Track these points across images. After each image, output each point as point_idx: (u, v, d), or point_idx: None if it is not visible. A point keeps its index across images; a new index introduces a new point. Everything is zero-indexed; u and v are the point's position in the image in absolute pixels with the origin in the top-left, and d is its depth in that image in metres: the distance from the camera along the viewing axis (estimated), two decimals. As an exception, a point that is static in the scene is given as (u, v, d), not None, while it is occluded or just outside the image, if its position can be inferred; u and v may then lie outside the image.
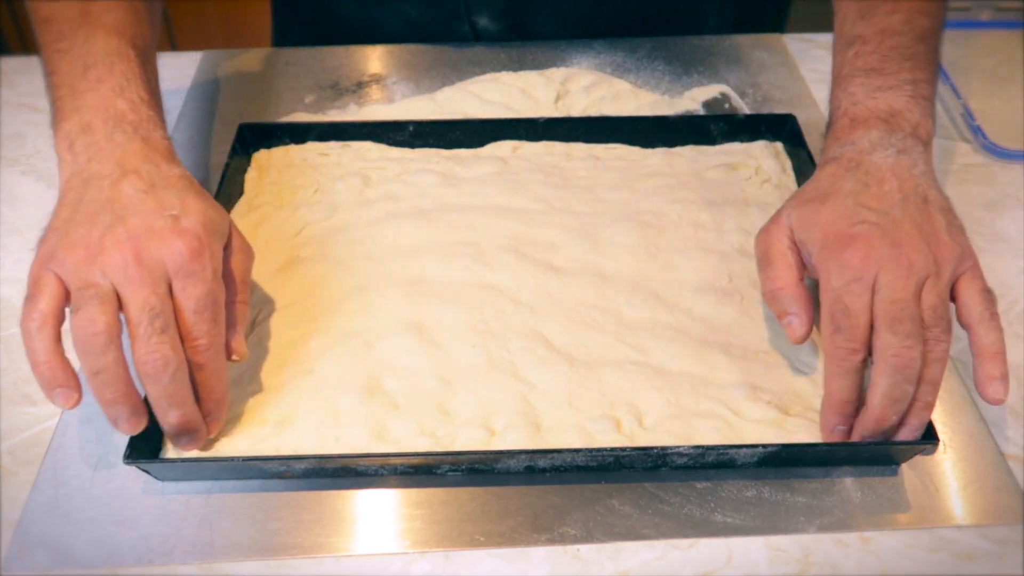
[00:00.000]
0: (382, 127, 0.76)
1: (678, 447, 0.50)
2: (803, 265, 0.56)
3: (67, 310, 0.51)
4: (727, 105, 0.83)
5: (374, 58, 0.89)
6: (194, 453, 0.52)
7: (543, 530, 0.50)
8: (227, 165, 0.70)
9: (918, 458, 0.53)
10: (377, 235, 0.67)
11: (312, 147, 0.75)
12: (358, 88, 0.86)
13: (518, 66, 0.87)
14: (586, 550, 0.50)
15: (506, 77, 0.84)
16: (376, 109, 0.83)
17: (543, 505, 0.52)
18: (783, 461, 0.53)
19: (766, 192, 0.71)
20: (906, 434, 0.51)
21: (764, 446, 0.51)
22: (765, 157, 0.74)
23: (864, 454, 0.53)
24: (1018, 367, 0.60)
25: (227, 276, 0.54)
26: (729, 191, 0.71)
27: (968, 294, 0.53)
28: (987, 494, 0.52)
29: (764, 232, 0.58)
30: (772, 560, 0.49)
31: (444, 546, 0.50)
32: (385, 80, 0.87)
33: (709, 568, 0.49)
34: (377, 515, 0.52)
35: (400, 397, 0.56)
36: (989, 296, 0.53)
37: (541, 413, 0.55)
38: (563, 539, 0.50)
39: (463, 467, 0.52)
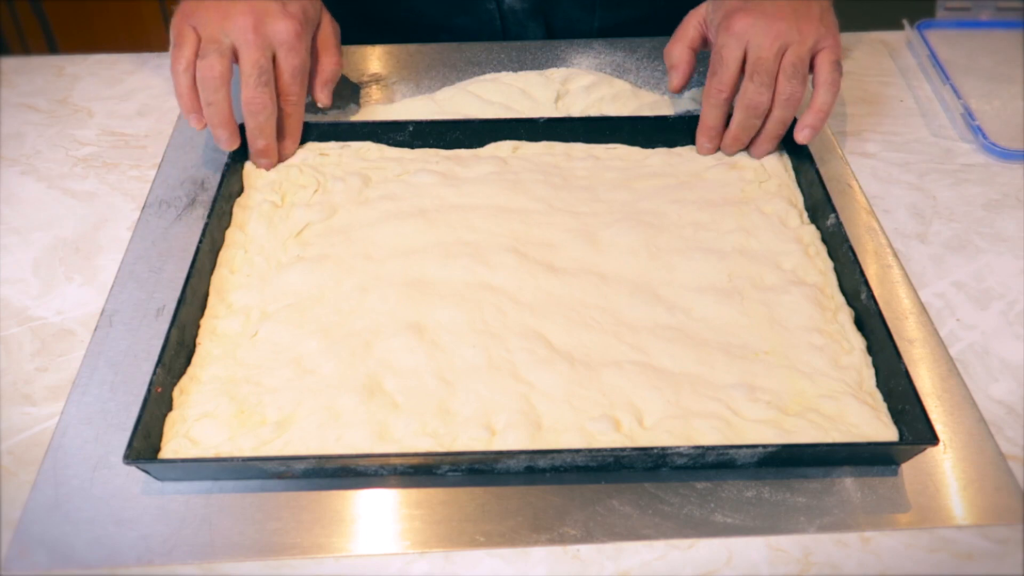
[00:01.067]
0: (382, 127, 0.76)
1: (678, 447, 0.50)
2: (702, 39, 0.76)
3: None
4: (727, 105, 0.83)
5: (374, 58, 0.89)
6: (194, 453, 0.52)
7: (543, 530, 0.50)
8: (227, 165, 0.70)
9: (918, 458, 0.53)
10: (377, 235, 0.67)
11: (312, 147, 0.75)
12: (358, 88, 0.86)
13: (518, 66, 0.87)
14: (586, 550, 0.50)
15: (506, 77, 0.84)
16: (376, 109, 0.83)
17: (543, 505, 0.52)
18: (783, 461, 0.53)
19: (766, 192, 0.71)
20: (757, 152, 0.73)
21: (764, 446, 0.51)
22: (765, 157, 0.74)
23: (864, 454, 0.53)
24: (1018, 367, 0.60)
25: (324, 41, 0.75)
26: (729, 191, 0.71)
27: (821, 63, 0.70)
28: (987, 494, 0.52)
29: (687, 16, 0.76)
30: (772, 560, 0.49)
31: (444, 546, 0.50)
32: (385, 80, 0.87)
33: (709, 568, 0.49)
34: (377, 515, 0.52)
35: (400, 397, 0.56)
36: (837, 67, 0.70)
37: (541, 413, 0.55)
38: (563, 539, 0.50)
39: (463, 467, 0.52)
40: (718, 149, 0.74)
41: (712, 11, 0.74)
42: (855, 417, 0.54)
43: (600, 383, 0.56)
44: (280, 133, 0.72)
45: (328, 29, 0.76)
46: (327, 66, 0.76)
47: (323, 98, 0.76)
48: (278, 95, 0.71)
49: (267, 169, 0.72)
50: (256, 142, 0.70)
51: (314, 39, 0.75)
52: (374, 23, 0.77)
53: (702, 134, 0.73)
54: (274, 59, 0.70)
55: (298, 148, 0.75)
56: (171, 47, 0.70)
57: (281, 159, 0.73)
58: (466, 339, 0.59)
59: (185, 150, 0.78)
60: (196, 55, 0.68)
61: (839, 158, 0.77)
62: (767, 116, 0.70)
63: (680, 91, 0.78)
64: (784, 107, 0.69)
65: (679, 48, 0.76)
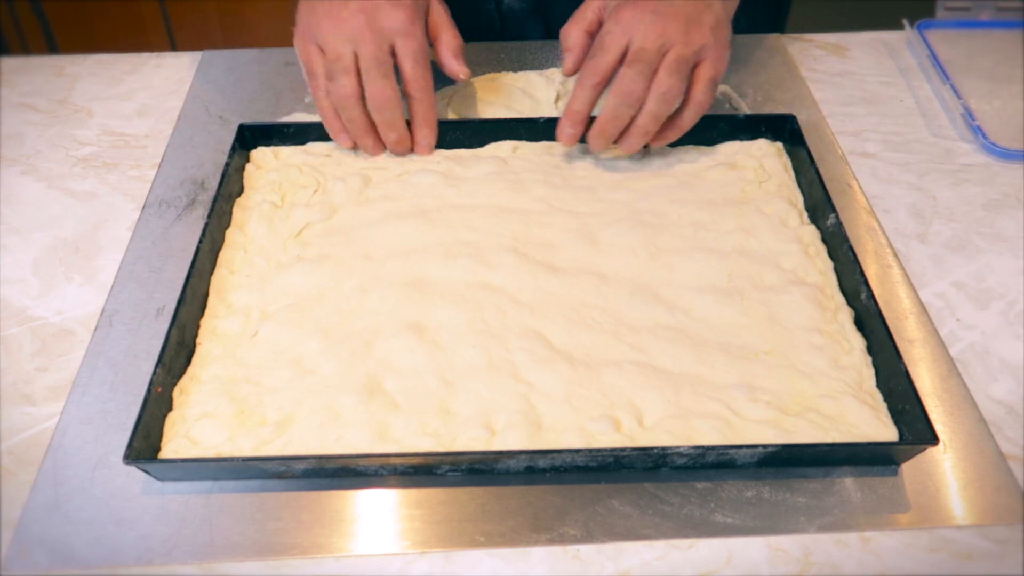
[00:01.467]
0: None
1: (678, 447, 0.50)
2: (600, 23, 0.73)
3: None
4: (727, 105, 0.83)
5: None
6: (194, 453, 0.52)
7: (543, 530, 0.50)
8: (227, 165, 0.70)
9: (918, 458, 0.53)
10: (377, 235, 0.67)
11: (312, 147, 0.75)
12: (358, 88, 0.86)
13: (518, 66, 0.87)
14: (586, 550, 0.50)
15: (506, 77, 0.84)
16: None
17: (543, 505, 0.52)
18: (783, 461, 0.53)
19: (766, 192, 0.71)
20: (625, 147, 0.70)
21: (764, 446, 0.51)
22: (765, 157, 0.74)
23: (864, 454, 0.53)
24: (1018, 367, 0.60)
25: (437, 21, 0.74)
26: (729, 191, 0.71)
27: (698, 78, 0.69)
28: (987, 494, 0.52)
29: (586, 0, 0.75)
30: (772, 560, 0.49)
31: (444, 546, 0.50)
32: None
33: (709, 568, 0.49)
34: (377, 515, 0.52)
35: (400, 397, 0.56)
36: (711, 87, 0.69)
37: (541, 413, 0.55)
38: (563, 539, 0.50)
39: (463, 467, 0.52)
40: (581, 140, 0.71)
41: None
42: (855, 417, 0.54)
43: (600, 383, 0.56)
44: (413, 121, 0.72)
45: (439, 8, 0.76)
46: (449, 40, 0.75)
47: (458, 67, 0.75)
48: (404, 84, 0.71)
49: (398, 154, 0.73)
50: (388, 136, 0.72)
51: (428, 22, 0.74)
52: None
53: (567, 118, 0.70)
54: (394, 51, 0.70)
55: (297, 148, 0.75)
56: (304, 74, 0.72)
57: (423, 150, 0.74)
58: (466, 339, 0.59)
59: (185, 150, 0.78)
60: (321, 75, 0.70)
61: (839, 158, 0.77)
62: (639, 110, 0.68)
63: (573, 74, 0.75)
64: (659, 101, 0.67)
65: (575, 31, 0.75)
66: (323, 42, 0.70)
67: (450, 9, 0.81)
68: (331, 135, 0.73)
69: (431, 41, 0.75)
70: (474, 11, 0.91)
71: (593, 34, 0.74)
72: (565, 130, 0.70)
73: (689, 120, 0.70)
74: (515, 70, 0.85)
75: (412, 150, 0.74)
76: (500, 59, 0.88)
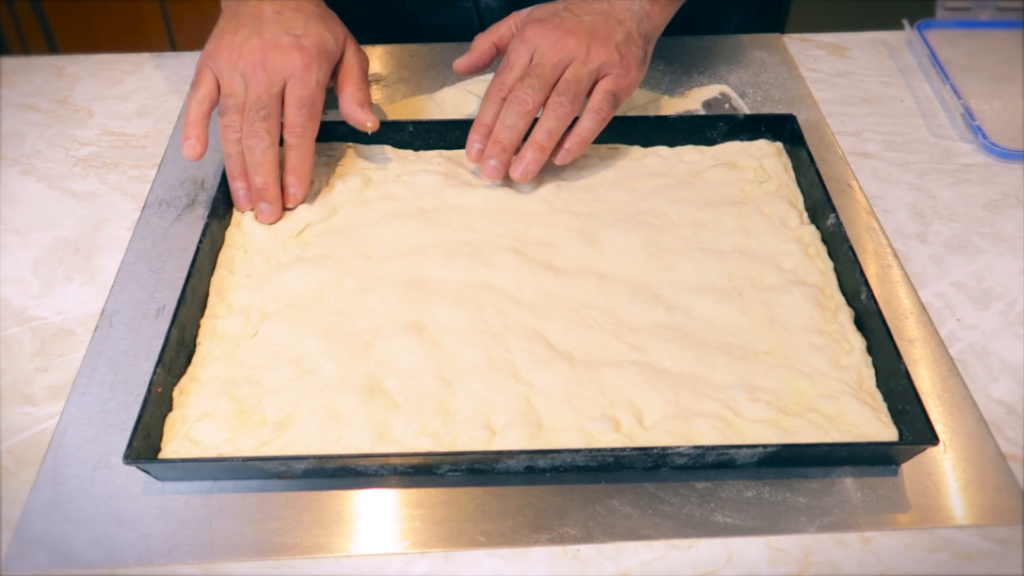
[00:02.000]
0: (382, 127, 0.76)
1: (678, 447, 0.50)
2: (508, 36, 0.75)
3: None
4: (727, 105, 0.83)
5: (374, 58, 0.89)
6: (194, 453, 0.52)
7: (543, 530, 0.50)
8: (227, 165, 0.70)
9: (918, 458, 0.53)
10: (377, 235, 0.67)
11: (312, 147, 0.75)
12: (358, 88, 0.86)
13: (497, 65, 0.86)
14: (586, 550, 0.50)
15: (506, 77, 0.84)
16: (376, 109, 0.83)
17: (543, 505, 0.52)
18: (783, 461, 0.53)
19: (766, 192, 0.71)
20: (517, 163, 0.68)
21: (764, 446, 0.51)
22: (765, 157, 0.74)
23: (864, 454, 0.53)
24: (1018, 367, 0.60)
25: (347, 73, 0.72)
26: (729, 191, 0.71)
27: (597, 89, 0.69)
28: (987, 494, 0.52)
29: (510, 15, 0.76)
30: (772, 560, 0.49)
31: (444, 546, 0.50)
32: (385, 80, 0.87)
33: (709, 568, 0.49)
34: (377, 515, 0.52)
35: (400, 397, 0.56)
36: (610, 97, 0.69)
37: (541, 413, 0.55)
38: (563, 539, 0.50)
39: (463, 467, 0.52)
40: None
41: (524, 15, 0.75)
42: (855, 417, 0.54)
43: (600, 383, 0.56)
44: (285, 167, 0.68)
45: (353, 60, 0.74)
46: (353, 92, 0.72)
47: (363, 116, 0.71)
48: (283, 128, 0.68)
49: (264, 219, 0.67)
50: (255, 179, 0.67)
51: (338, 71, 0.73)
52: (349, 21, 0.75)
53: (474, 131, 0.70)
54: (283, 95, 0.69)
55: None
56: (192, 85, 0.70)
57: (288, 201, 0.68)
58: (466, 339, 0.59)
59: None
60: (211, 94, 0.69)
61: (839, 158, 0.77)
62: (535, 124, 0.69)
63: (461, 72, 0.77)
64: (550, 119, 0.68)
65: (485, 40, 0.76)
66: (220, 71, 0.69)
67: (426, 8, 0.81)
68: (183, 144, 0.68)
69: (337, 92, 0.73)
70: (451, 9, 0.91)
71: (501, 48, 0.76)
72: (473, 145, 0.70)
73: (586, 128, 0.69)
74: (494, 69, 0.85)
75: (281, 205, 0.68)
76: (499, 59, 0.88)
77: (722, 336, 0.60)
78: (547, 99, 0.68)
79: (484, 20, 0.91)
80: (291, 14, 0.71)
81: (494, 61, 0.76)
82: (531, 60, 0.69)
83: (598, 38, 0.69)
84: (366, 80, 0.73)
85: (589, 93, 0.70)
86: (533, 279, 0.63)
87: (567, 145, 0.69)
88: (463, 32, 0.91)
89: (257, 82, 0.67)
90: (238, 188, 0.68)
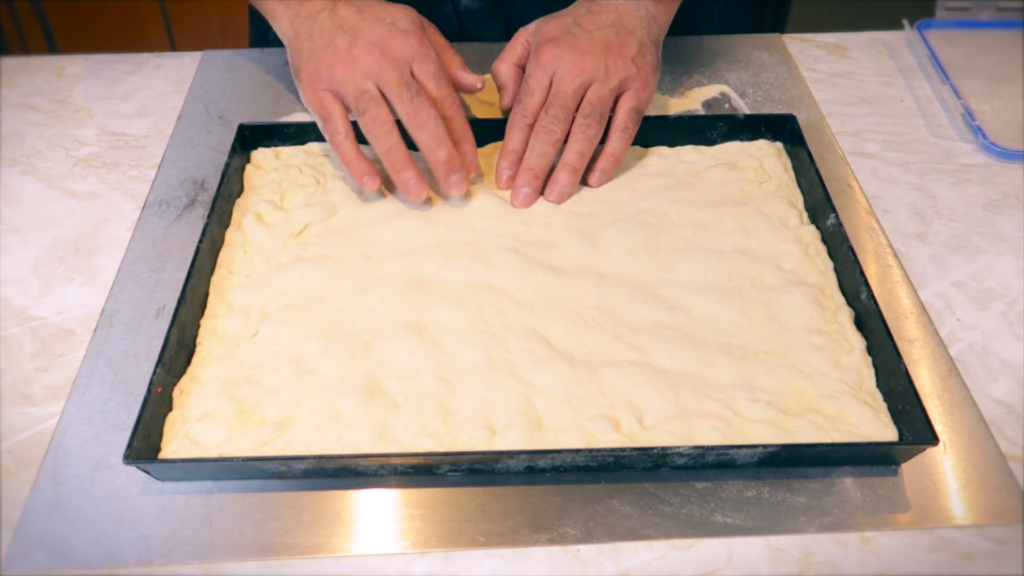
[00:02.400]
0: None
1: (678, 447, 0.50)
2: (525, 55, 0.75)
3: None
4: (727, 105, 0.83)
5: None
6: (195, 453, 0.52)
7: (543, 530, 0.50)
8: (227, 165, 0.70)
9: (918, 458, 0.53)
10: (377, 235, 0.67)
11: (312, 147, 0.75)
12: (358, 88, 0.86)
13: (478, 67, 0.86)
14: (586, 550, 0.50)
15: (506, 77, 0.83)
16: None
17: (543, 505, 0.52)
18: (783, 461, 0.53)
19: (766, 192, 0.71)
20: (552, 187, 0.70)
21: (764, 446, 0.51)
22: (765, 157, 0.74)
23: (864, 454, 0.53)
24: (1018, 367, 0.60)
25: (439, 45, 0.75)
26: (729, 191, 0.71)
27: (620, 108, 0.70)
28: (987, 494, 0.52)
29: (517, 32, 0.77)
30: (772, 560, 0.49)
31: (444, 546, 0.50)
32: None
33: (709, 568, 0.49)
34: (377, 515, 0.52)
35: (400, 397, 0.56)
36: (634, 115, 0.70)
37: (541, 413, 0.55)
38: (563, 539, 0.50)
39: (463, 467, 0.52)
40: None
41: (534, 32, 0.75)
42: (855, 417, 0.54)
43: (600, 383, 0.56)
44: (453, 140, 0.68)
45: (432, 30, 0.75)
46: (452, 58, 0.75)
47: (474, 78, 0.74)
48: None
49: (459, 191, 0.68)
50: (436, 153, 0.66)
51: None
52: None
53: (503, 159, 0.71)
54: (414, 77, 0.68)
55: (298, 148, 0.75)
56: (320, 122, 0.69)
57: (469, 168, 0.69)
58: (466, 339, 0.59)
59: (185, 150, 0.78)
60: (347, 118, 0.68)
61: (839, 158, 0.77)
62: (565, 147, 0.70)
63: (510, 108, 0.75)
64: (580, 141, 0.69)
65: (505, 66, 0.76)
66: (340, 85, 0.67)
67: None
68: (356, 178, 0.68)
69: None
70: (430, 12, 0.91)
71: (522, 67, 0.76)
72: (504, 172, 0.71)
73: (616, 147, 0.71)
74: (475, 71, 0.84)
75: (459, 175, 0.68)
76: (468, 60, 0.87)
77: (722, 336, 0.60)
78: (572, 121, 0.69)
79: (464, 22, 0.91)
80: (369, 8, 0.70)
81: None
82: (551, 84, 0.70)
83: (613, 54, 0.70)
84: (449, 44, 0.76)
85: (612, 107, 0.71)
86: (533, 279, 0.63)
87: (601, 166, 0.71)
88: (443, 34, 0.91)
89: (387, 74, 0.66)
90: (408, 178, 0.67)
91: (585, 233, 0.67)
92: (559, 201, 0.70)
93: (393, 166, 0.67)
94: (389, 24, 0.69)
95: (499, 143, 0.76)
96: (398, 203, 0.70)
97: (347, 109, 0.68)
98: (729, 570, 0.49)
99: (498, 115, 0.80)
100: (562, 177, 0.70)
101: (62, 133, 0.82)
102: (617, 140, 0.71)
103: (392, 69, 0.66)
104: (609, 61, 0.69)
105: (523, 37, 0.76)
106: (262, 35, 0.99)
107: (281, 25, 0.72)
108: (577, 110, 0.70)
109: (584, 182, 0.72)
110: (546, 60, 0.70)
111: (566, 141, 0.70)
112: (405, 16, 0.71)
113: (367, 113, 0.66)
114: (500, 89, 0.77)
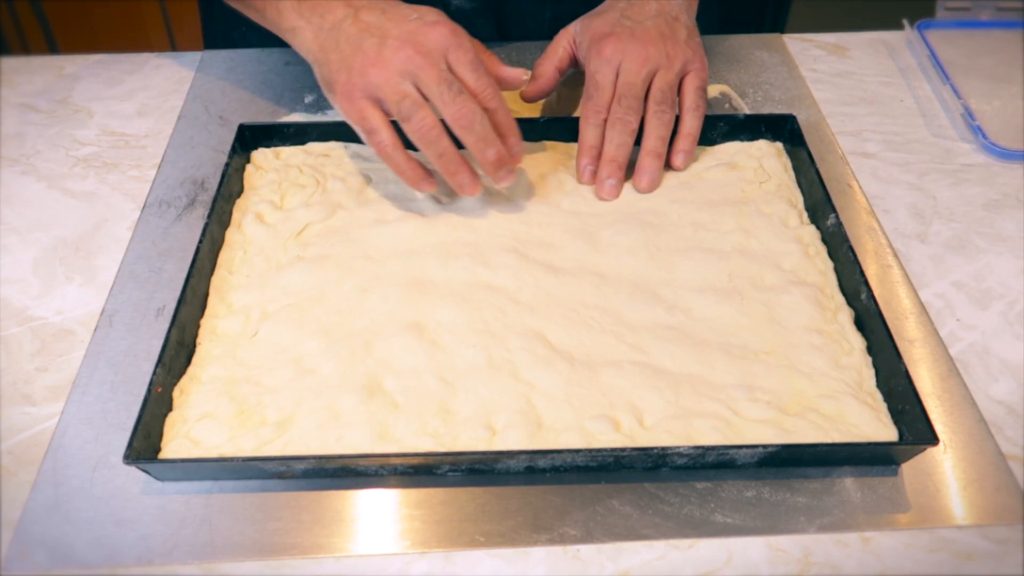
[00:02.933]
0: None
1: (678, 447, 0.50)
2: (571, 59, 0.76)
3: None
4: (727, 105, 0.83)
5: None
6: (195, 453, 0.52)
7: (543, 530, 0.50)
8: (227, 165, 0.70)
9: (918, 458, 0.53)
10: (377, 235, 0.67)
11: (312, 147, 0.75)
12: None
13: (517, 65, 0.86)
14: (586, 550, 0.50)
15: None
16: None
17: (543, 505, 0.52)
18: (783, 461, 0.53)
19: (766, 192, 0.71)
20: (640, 176, 0.71)
21: (764, 446, 0.51)
22: (765, 157, 0.74)
23: (864, 454, 0.53)
24: (1018, 367, 0.60)
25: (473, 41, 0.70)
26: (729, 191, 0.71)
27: (687, 89, 0.72)
28: (987, 494, 0.52)
29: (558, 34, 0.76)
30: (772, 560, 0.49)
31: (444, 546, 0.50)
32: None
33: (709, 568, 0.49)
34: (377, 515, 0.52)
35: (400, 397, 0.56)
36: (701, 94, 0.73)
37: (541, 413, 0.55)
38: (563, 539, 0.50)
39: (463, 467, 0.52)
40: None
41: (580, 31, 0.75)
42: (855, 417, 0.54)
43: (600, 383, 0.56)
44: (498, 133, 0.66)
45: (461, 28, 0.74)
46: (488, 56, 0.72)
47: (517, 71, 0.72)
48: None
49: (508, 183, 0.67)
50: (485, 154, 0.64)
51: None
52: None
53: (582, 155, 0.71)
54: (450, 68, 0.65)
55: (298, 148, 0.75)
56: (362, 134, 0.66)
57: (516, 160, 0.67)
58: (466, 339, 0.59)
59: (185, 150, 0.78)
60: (391, 127, 0.65)
61: (839, 158, 0.77)
62: (643, 136, 0.71)
63: (531, 100, 0.76)
64: (657, 128, 0.71)
65: (547, 64, 0.76)
66: (377, 90, 0.64)
67: None
68: (412, 185, 0.66)
69: None
70: None
71: (562, 70, 0.76)
72: (585, 167, 0.72)
73: (692, 125, 0.72)
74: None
75: (506, 170, 0.67)
76: (499, 58, 0.88)
77: (722, 336, 0.60)
78: (644, 110, 0.71)
79: (455, 20, 0.91)
80: (392, 9, 0.67)
81: (558, 85, 0.77)
82: (616, 76, 0.71)
83: (669, 41, 0.71)
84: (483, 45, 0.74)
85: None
86: (533, 279, 0.63)
87: (682, 147, 0.72)
88: None
89: (424, 68, 0.63)
90: (463, 179, 0.65)
91: (585, 233, 0.67)
92: (650, 189, 0.71)
93: (447, 170, 0.65)
94: (416, 19, 0.66)
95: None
96: (398, 203, 0.70)
97: (386, 114, 0.65)
98: (729, 570, 0.49)
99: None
100: (648, 163, 0.71)
101: (62, 133, 0.82)
102: (692, 119, 0.72)
103: (428, 65, 0.63)
104: (668, 48, 0.71)
105: (566, 39, 0.76)
106: (219, 35, 0.96)
107: (305, 42, 0.69)
108: (647, 99, 0.71)
109: (667, 166, 0.73)
110: (609, 54, 0.71)
111: (639, 131, 0.71)
112: (431, 10, 0.68)
113: (412, 119, 0.63)
114: (533, 79, 0.76)
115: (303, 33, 0.69)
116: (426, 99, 0.64)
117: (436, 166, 0.65)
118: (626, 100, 0.70)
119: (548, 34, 0.78)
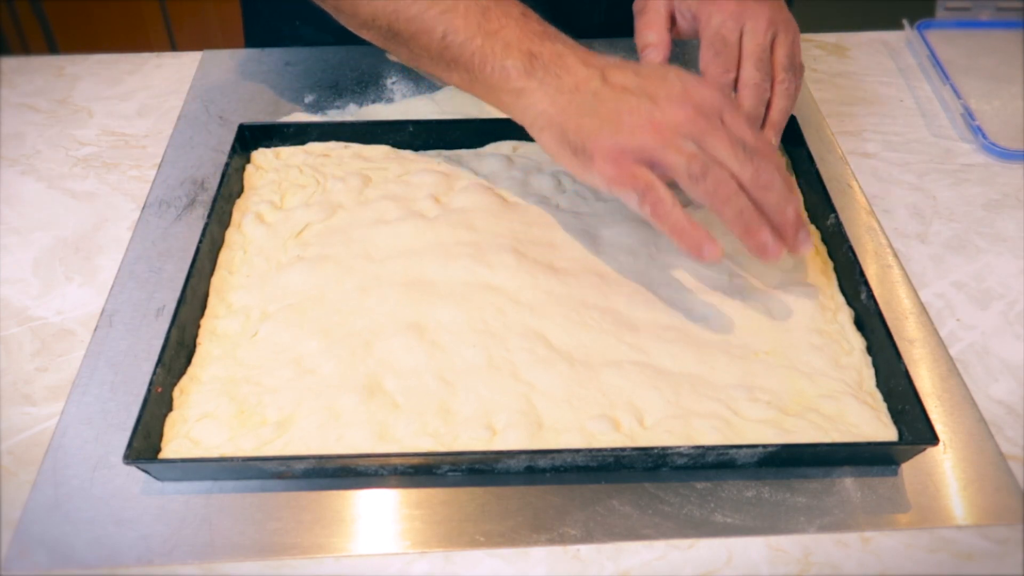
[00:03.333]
0: (382, 127, 0.76)
1: (678, 447, 0.50)
2: (671, 18, 0.72)
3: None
4: (727, 105, 0.83)
5: (371, 59, 0.89)
6: (195, 453, 0.52)
7: (543, 530, 0.50)
8: (227, 165, 0.70)
9: (918, 458, 0.53)
10: (377, 235, 0.67)
11: (312, 147, 0.75)
12: (358, 88, 0.86)
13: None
14: (586, 550, 0.50)
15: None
16: (376, 109, 0.83)
17: (543, 505, 0.52)
18: (783, 461, 0.53)
19: (766, 192, 0.71)
20: (769, 134, 0.68)
21: (764, 446, 0.51)
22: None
23: (864, 454, 0.53)
24: (1018, 367, 0.60)
25: None
26: (729, 191, 0.71)
27: (779, 51, 0.69)
28: (987, 494, 0.52)
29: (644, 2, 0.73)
30: (772, 560, 0.49)
31: (444, 546, 0.50)
32: (385, 80, 0.87)
33: (709, 568, 0.49)
34: (377, 515, 0.52)
35: (400, 397, 0.56)
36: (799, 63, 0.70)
37: (541, 413, 0.55)
38: (563, 539, 0.50)
39: (463, 467, 0.52)
40: None
41: None
42: (855, 417, 0.54)
43: (600, 383, 0.56)
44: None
45: None
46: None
47: (775, 134, 0.70)
48: None
49: (807, 249, 0.60)
50: (787, 213, 0.58)
51: None
52: (331, 27, 0.73)
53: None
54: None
55: (298, 148, 0.75)
56: (631, 195, 0.59)
57: (806, 222, 0.63)
58: (466, 339, 0.59)
59: (185, 150, 0.78)
60: (667, 187, 0.58)
61: (839, 158, 0.77)
62: (769, 105, 0.69)
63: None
64: (783, 98, 0.69)
65: (656, 30, 0.71)
66: (653, 152, 0.58)
67: None
68: (694, 250, 0.58)
69: None
70: None
71: (671, 31, 0.72)
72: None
73: (797, 87, 0.70)
74: None
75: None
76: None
77: (722, 336, 0.60)
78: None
79: None
80: (644, 69, 0.62)
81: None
82: (741, 33, 0.68)
83: (778, 4, 0.70)
84: None
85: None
86: (533, 279, 0.63)
87: (783, 105, 0.70)
88: None
89: (710, 134, 0.58)
90: (765, 238, 0.58)
91: (585, 233, 0.67)
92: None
93: (747, 229, 0.58)
94: (676, 79, 0.60)
95: (499, 143, 0.76)
96: (398, 203, 0.70)
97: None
98: (729, 570, 0.49)
99: (497, 115, 0.80)
100: (771, 134, 0.69)
101: (62, 133, 0.82)
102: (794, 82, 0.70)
103: (713, 128, 0.58)
104: (784, 13, 0.70)
105: (661, 2, 0.72)
106: (261, 36, 0.98)
107: (538, 105, 0.62)
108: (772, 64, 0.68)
109: (787, 139, 0.72)
110: (732, 10, 0.68)
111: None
112: (684, 70, 0.62)
113: (708, 177, 0.57)
114: (648, 48, 0.71)
115: (533, 95, 0.62)
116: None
117: (733, 226, 0.58)
118: (763, 64, 0.67)
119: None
